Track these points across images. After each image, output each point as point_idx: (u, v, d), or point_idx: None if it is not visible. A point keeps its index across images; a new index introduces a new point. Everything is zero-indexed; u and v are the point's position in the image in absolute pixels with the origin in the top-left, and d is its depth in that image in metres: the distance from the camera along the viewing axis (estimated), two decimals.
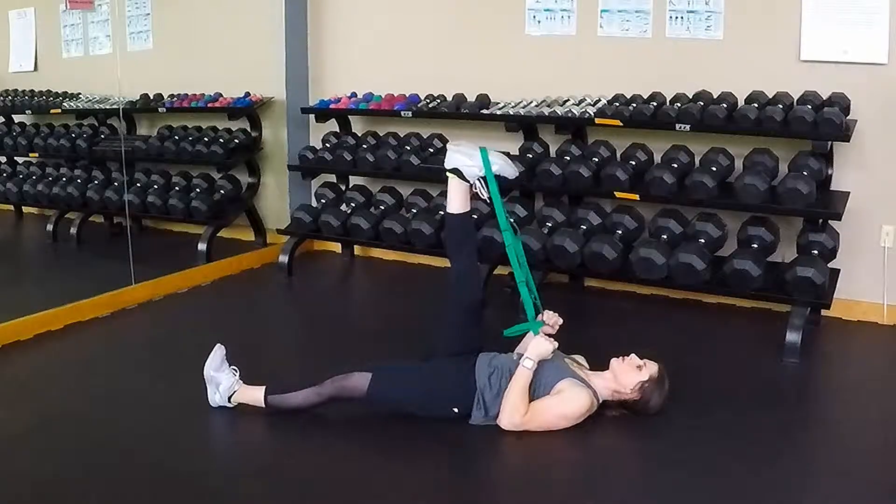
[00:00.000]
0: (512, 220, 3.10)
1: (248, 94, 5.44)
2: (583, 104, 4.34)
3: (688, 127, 3.93)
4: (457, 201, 3.08)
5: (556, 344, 2.87)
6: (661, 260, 3.78)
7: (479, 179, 3.04)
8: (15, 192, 5.96)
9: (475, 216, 3.92)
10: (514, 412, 2.76)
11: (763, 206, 3.79)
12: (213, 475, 2.61)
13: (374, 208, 4.77)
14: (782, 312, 3.81)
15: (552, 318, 3.00)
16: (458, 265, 3.11)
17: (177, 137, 5.54)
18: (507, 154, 3.37)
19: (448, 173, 3.07)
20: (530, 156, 4.40)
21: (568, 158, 4.30)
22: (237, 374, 2.96)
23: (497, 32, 4.83)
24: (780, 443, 2.80)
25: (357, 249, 5.45)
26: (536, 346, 2.82)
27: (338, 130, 5.22)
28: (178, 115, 5.76)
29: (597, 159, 4.26)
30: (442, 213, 4.48)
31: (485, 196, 3.04)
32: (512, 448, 2.75)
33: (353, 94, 5.19)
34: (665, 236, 3.95)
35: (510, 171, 3.09)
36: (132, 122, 6.08)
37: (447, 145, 3.11)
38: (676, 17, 4.33)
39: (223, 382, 2.94)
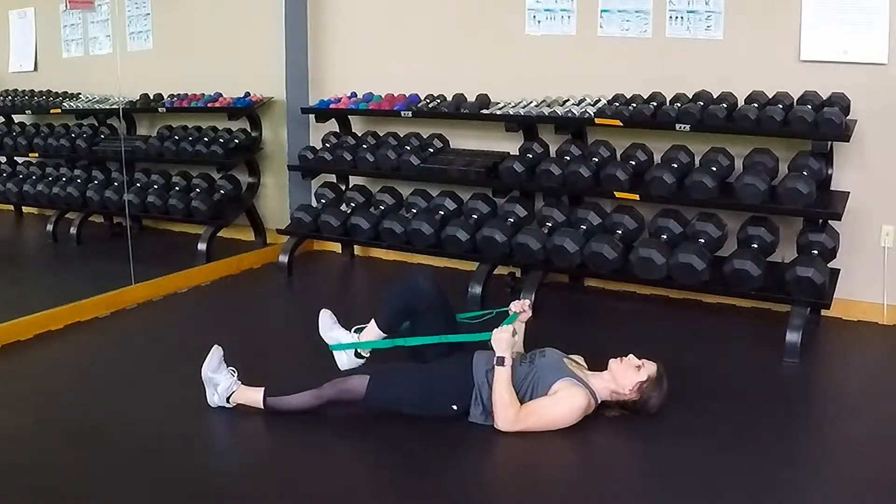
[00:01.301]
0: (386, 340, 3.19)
1: (248, 94, 5.44)
2: (583, 104, 4.34)
3: (688, 127, 3.93)
4: (373, 335, 3.19)
5: (513, 328, 2.90)
6: (661, 260, 3.77)
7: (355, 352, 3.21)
8: (15, 192, 5.96)
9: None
10: (506, 410, 2.76)
11: (763, 206, 3.79)
12: (213, 475, 2.61)
13: (374, 208, 4.77)
14: (782, 312, 3.80)
15: (518, 305, 3.15)
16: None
17: (177, 137, 5.53)
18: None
19: (366, 356, 3.22)
20: (530, 156, 4.40)
21: (568, 158, 4.30)
22: (235, 375, 2.96)
23: (497, 32, 4.83)
24: (780, 443, 2.80)
25: (357, 249, 5.45)
26: (498, 342, 2.84)
27: (338, 130, 5.22)
28: (177, 115, 5.75)
29: (597, 159, 4.26)
30: (442, 213, 4.49)
31: (365, 355, 3.22)
32: (512, 448, 2.75)
33: (353, 94, 5.19)
34: (665, 236, 3.95)
35: (328, 322, 3.28)
36: (132, 122, 6.08)
37: (341, 368, 3.20)
38: (676, 17, 4.33)
39: (221, 383, 2.94)
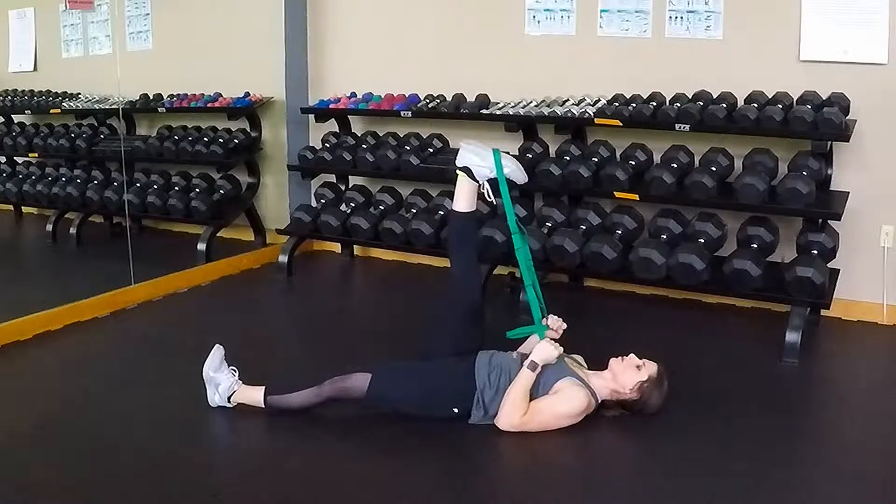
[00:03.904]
0: (520, 224, 3.11)
1: (247, 94, 5.44)
2: (582, 104, 4.34)
3: (687, 127, 3.93)
4: (464, 200, 3.11)
5: (562, 349, 2.88)
6: (661, 260, 3.77)
7: (487, 181, 3.08)
8: (15, 192, 5.96)
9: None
10: (513, 412, 2.76)
11: (763, 206, 3.79)
12: (213, 475, 2.61)
13: (373, 208, 4.77)
14: (782, 312, 3.80)
15: (556, 323, 3.01)
16: (459, 266, 3.13)
17: (176, 137, 5.54)
18: (516, 157, 3.38)
19: (458, 171, 3.09)
20: (530, 156, 4.40)
21: (568, 158, 4.30)
22: (236, 375, 2.96)
23: (497, 32, 4.83)
24: (780, 443, 2.80)
25: (357, 249, 5.45)
26: (542, 352, 2.82)
27: (337, 130, 5.22)
28: (177, 115, 5.76)
29: (596, 159, 4.26)
30: (441, 213, 4.49)
31: (491, 198, 3.07)
32: (512, 448, 2.75)
33: (353, 94, 5.19)
34: (665, 236, 3.95)
35: (520, 176, 3.14)
36: (132, 122, 6.08)
37: (461, 143, 3.11)
38: (676, 17, 4.33)
39: (222, 383, 2.94)
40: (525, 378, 2.78)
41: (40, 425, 2.88)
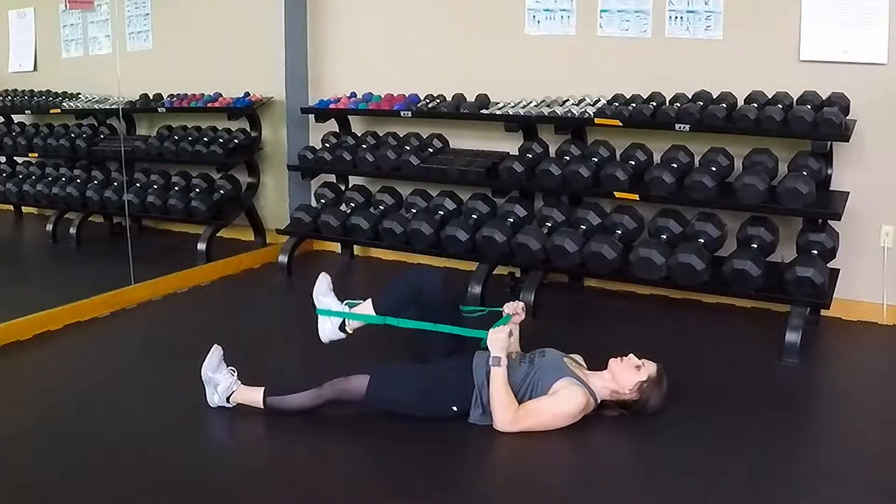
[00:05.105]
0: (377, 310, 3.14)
1: (247, 94, 5.44)
2: (582, 104, 4.34)
3: (687, 127, 3.93)
4: (355, 326, 3.21)
5: (508, 329, 2.89)
6: (661, 260, 3.77)
7: (341, 325, 3.23)
8: (15, 192, 5.97)
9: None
10: (504, 410, 2.76)
11: (763, 206, 3.79)
12: (213, 475, 2.61)
13: (373, 208, 4.77)
14: (782, 312, 3.81)
15: (513, 307, 3.10)
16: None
17: (176, 137, 5.54)
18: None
19: (348, 334, 3.22)
20: (530, 156, 4.40)
21: (567, 158, 4.30)
22: (235, 375, 2.96)
23: (497, 32, 4.83)
24: (780, 443, 2.80)
25: (357, 249, 5.44)
26: (494, 343, 2.84)
27: (337, 130, 5.22)
28: (177, 115, 5.76)
29: (596, 159, 4.26)
30: (441, 213, 4.49)
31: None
32: (511, 448, 2.75)
33: (353, 94, 5.19)
34: (665, 236, 3.95)
35: (324, 287, 3.26)
36: (132, 122, 6.08)
37: (322, 338, 3.25)
38: (676, 17, 4.33)
39: (221, 383, 2.94)
40: (496, 376, 2.79)
41: (40, 425, 2.88)
